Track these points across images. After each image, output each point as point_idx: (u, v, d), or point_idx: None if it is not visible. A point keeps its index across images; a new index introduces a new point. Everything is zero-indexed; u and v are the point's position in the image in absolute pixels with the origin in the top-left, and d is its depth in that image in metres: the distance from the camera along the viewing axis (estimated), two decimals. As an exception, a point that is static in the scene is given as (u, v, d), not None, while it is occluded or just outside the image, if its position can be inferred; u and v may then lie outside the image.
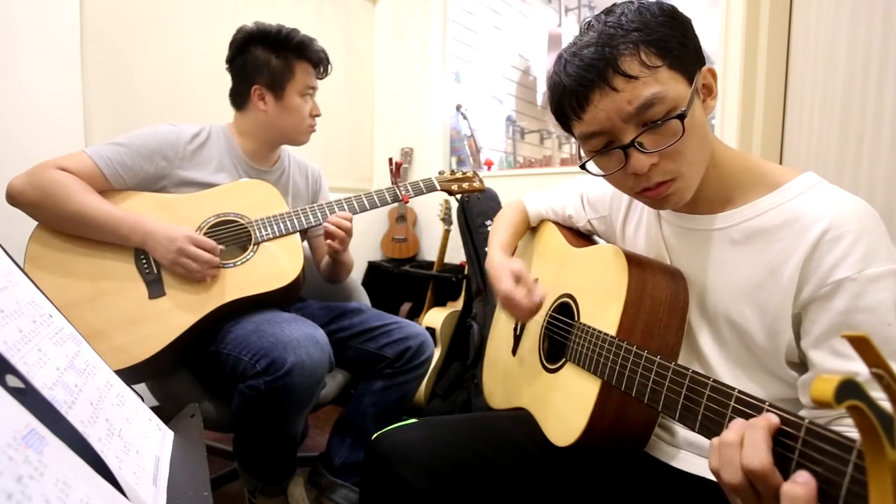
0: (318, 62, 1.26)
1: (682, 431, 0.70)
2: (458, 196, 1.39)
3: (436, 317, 2.01)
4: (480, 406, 1.70)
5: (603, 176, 0.67)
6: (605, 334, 0.66)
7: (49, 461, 0.30)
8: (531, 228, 1.04)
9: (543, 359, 0.83)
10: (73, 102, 1.58)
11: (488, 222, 1.87)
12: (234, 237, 1.13)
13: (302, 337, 0.99)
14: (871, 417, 0.31)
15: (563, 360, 0.76)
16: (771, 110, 1.46)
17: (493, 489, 0.73)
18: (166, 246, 1.02)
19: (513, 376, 0.92)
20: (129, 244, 1.05)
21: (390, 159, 2.41)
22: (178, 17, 1.82)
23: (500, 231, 0.98)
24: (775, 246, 0.61)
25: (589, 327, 0.70)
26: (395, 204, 2.51)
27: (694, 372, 0.51)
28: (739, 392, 0.45)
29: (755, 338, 0.63)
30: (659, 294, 0.67)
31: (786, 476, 0.38)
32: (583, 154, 0.67)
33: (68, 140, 1.56)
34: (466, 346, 1.91)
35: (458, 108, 2.32)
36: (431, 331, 1.98)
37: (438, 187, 1.31)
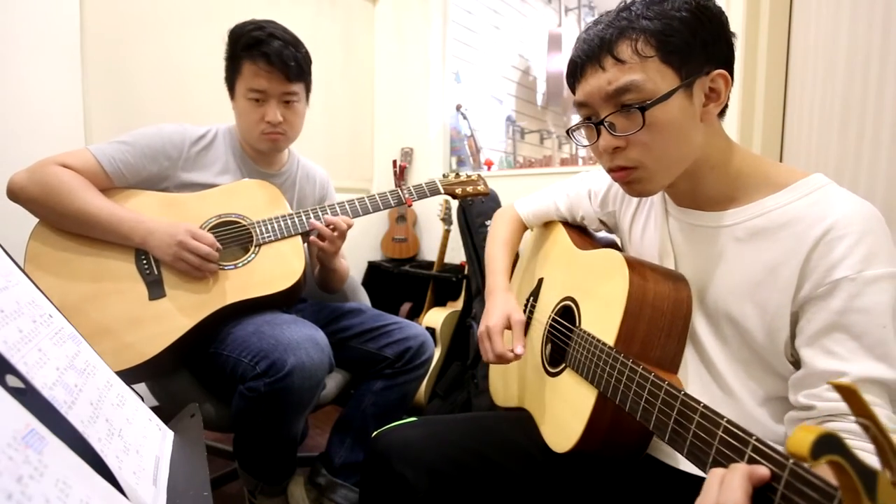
0: (276, 62, 1.09)
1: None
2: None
3: (436, 317, 2.01)
4: (480, 406, 1.70)
5: (586, 146, 0.71)
6: (604, 344, 0.66)
7: (49, 461, 0.30)
8: (540, 228, 1.04)
9: (545, 362, 0.83)
10: (73, 102, 1.58)
11: (488, 222, 1.87)
12: (235, 238, 1.13)
13: (302, 338, 0.99)
14: (851, 474, 0.30)
15: (563, 365, 0.76)
16: (771, 110, 1.46)
17: (493, 489, 0.73)
18: (167, 241, 1.02)
19: (515, 376, 0.92)
20: (130, 244, 1.04)
21: (394, 161, 2.41)
22: (178, 18, 1.82)
23: (496, 252, 0.98)
24: (778, 245, 0.61)
25: (588, 335, 0.70)
26: (397, 205, 2.51)
27: (686, 395, 0.51)
28: (728, 422, 0.45)
29: (755, 336, 0.63)
30: (660, 303, 0.66)
31: None
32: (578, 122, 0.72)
33: (68, 140, 1.55)
34: (466, 346, 1.91)
35: (458, 108, 2.32)
36: (431, 331, 1.98)
37: (442, 191, 1.30)
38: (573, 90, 0.70)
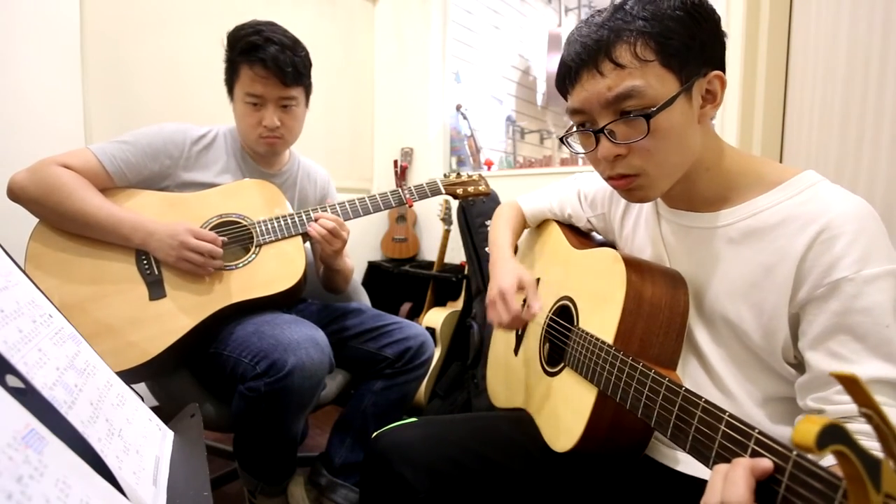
0: (272, 68, 1.08)
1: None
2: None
3: (436, 317, 2.01)
4: (480, 406, 1.70)
5: (582, 154, 0.69)
6: (603, 342, 0.66)
7: (49, 461, 0.30)
8: (534, 228, 1.04)
9: (543, 361, 0.83)
10: (73, 102, 1.58)
11: (488, 222, 1.87)
12: (236, 238, 1.13)
13: (302, 338, 0.99)
14: (856, 462, 0.31)
15: (562, 364, 0.76)
16: (771, 110, 1.46)
17: (493, 489, 0.73)
18: (168, 242, 1.02)
19: (514, 376, 0.92)
20: (131, 245, 1.04)
21: (395, 161, 2.41)
22: (178, 17, 1.82)
23: (502, 231, 0.98)
24: (772, 245, 0.61)
25: (587, 334, 0.70)
26: (398, 205, 2.50)
27: (687, 390, 0.51)
28: (730, 416, 0.45)
29: (752, 337, 0.63)
30: (658, 301, 0.66)
31: None
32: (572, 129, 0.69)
33: (68, 139, 1.55)
34: (466, 346, 1.91)
35: (458, 108, 2.32)
36: (431, 331, 1.98)
37: (443, 191, 1.29)
38: (565, 95, 0.67)
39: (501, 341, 1.02)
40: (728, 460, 0.44)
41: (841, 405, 0.54)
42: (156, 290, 1.04)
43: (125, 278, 1.03)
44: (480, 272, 1.87)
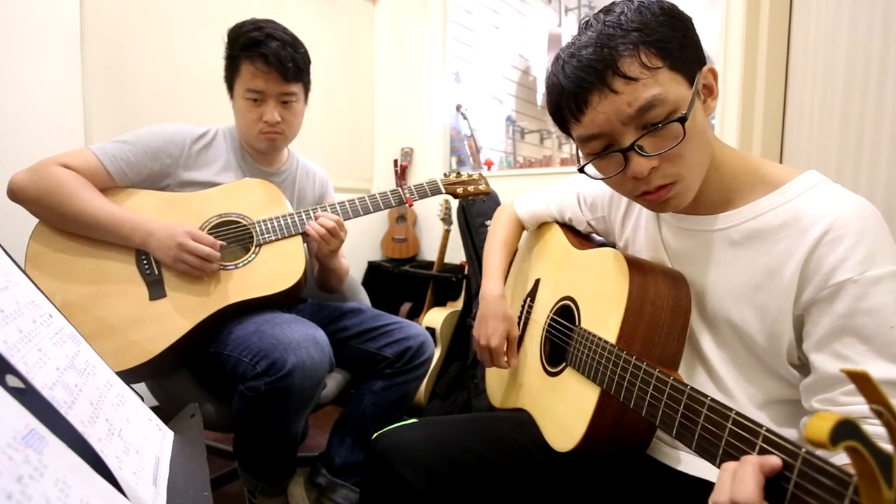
0: (274, 63, 1.10)
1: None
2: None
3: (436, 317, 2.01)
4: (480, 406, 1.70)
5: (602, 179, 0.66)
6: (605, 342, 0.66)
7: (49, 461, 0.30)
8: (535, 228, 1.04)
9: (544, 362, 0.83)
10: (73, 102, 1.58)
11: (488, 222, 1.87)
12: (236, 237, 1.13)
13: (302, 338, 0.99)
14: (869, 458, 0.31)
15: (564, 364, 0.76)
16: (771, 110, 1.46)
17: (493, 490, 0.73)
18: (167, 243, 1.02)
19: (514, 377, 0.92)
20: (131, 245, 1.04)
21: (395, 161, 2.41)
22: (178, 17, 1.82)
23: (495, 254, 0.99)
24: (775, 247, 0.60)
25: (589, 333, 0.70)
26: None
27: (692, 389, 0.51)
28: (737, 414, 0.45)
29: (756, 339, 0.63)
30: (660, 301, 0.66)
31: None
32: (581, 157, 0.67)
33: (68, 139, 1.55)
34: (466, 346, 1.91)
35: (458, 108, 2.32)
36: (431, 331, 1.98)
37: (443, 190, 1.29)
38: (565, 124, 0.64)
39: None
40: (735, 458, 0.44)
41: (846, 406, 0.54)
42: (156, 289, 1.04)
43: (125, 278, 1.03)
44: (480, 272, 1.86)
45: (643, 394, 0.57)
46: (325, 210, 1.17)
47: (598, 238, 0.94)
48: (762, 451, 0.41)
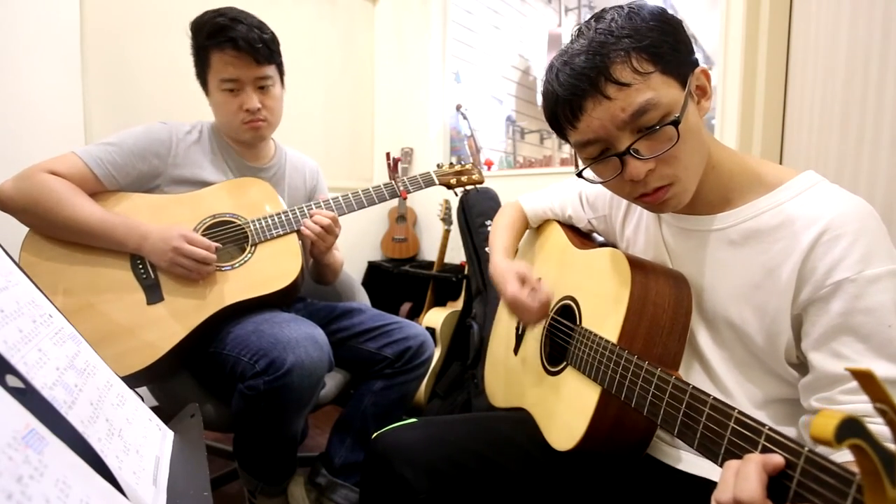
0: (244, 47, 1.06)
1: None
2: (458, 191, 1.36)
3: (436, 317, 2.01)
4: (480, 406, 1.70)
5: (600, 183, 0.67)
6: (607, 341, 0.66)
7: (49, 461, 0.30)
8: (535, 228, 1.04)
9: (545, 361, 0.83)
10: (73, 102, 1.58)
11: (488, 222, 1.87)
12: (231, 238, 1.12)
13: (301, 337, 0.98)
14: (873, 456, 0.31)
15: (564, 363, 0.76)
16: (771, 110, 1.46)
17: (493, 489, 0.73)
18: (161, 246, 1.01)
19: (514, 376, 0.92)
20: (125, 249, 1.03)
21: (388, 154, 2.41)
22: (178, 17, 1.81)
23: (500, 234, 0.98)
24: (773, 247, 0.61)
25: (590, 333, 0.70)
26: (395, 202, 2.50)
27: (694, 388, 0.51)
28: (739, 413, 0.45)
29: (754, 339, 0.63)
30: (662, 301, 0.66)
31: None
32: (579, 162, 0.68)
33: (68, 140, 1.55)
34: (466, 346, 1.91)
35: (458, 108, 2.32)
36: (431, 331, 1.98)
37: (437, 181, 1.28)
38: (562, 130, 0.66)
39: (500, 342, 1.02)
40: (738, 457, 0.44)
41: (845, 405, 0.54)
42: (153, 294, 1.03)
43: (121, 284, 1.02)
44: (480, 272, 1.87)
45: (645, 393, 0.57)
46: (320, 206, 1.16)
47: (598, 238, 0.95)
48: (765, 450, 0.42)
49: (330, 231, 1.14)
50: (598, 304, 0.74)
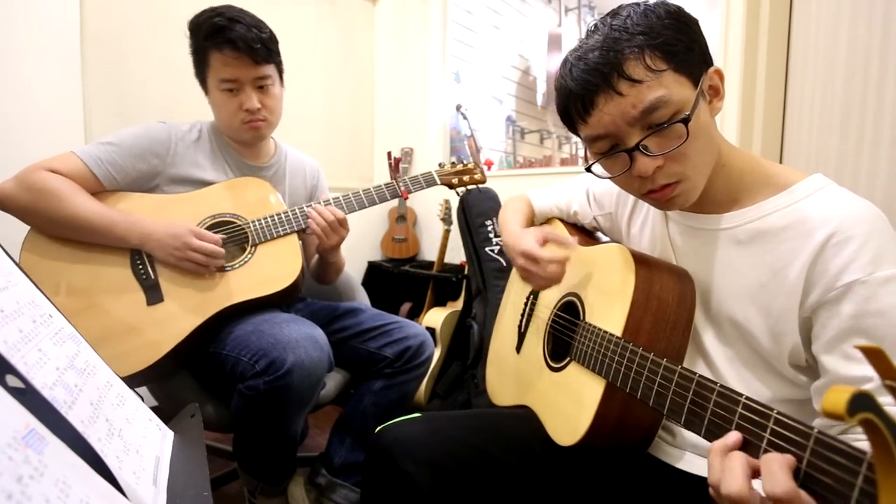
0: (242, 48, 1.06)
1: (685, 432, 0.70)
2: (459, 190, 1.35)
3: (436, 317, 2.01)
4: (481, 405, 1.70)
5: (609, 178, 0.67)
6: (611, 335, 0.66)
7: (49, 461, 0.30)
8: (538, 225, 1.04)
9: (548, 357, 0.83)
10: (73, 102, 1.58)
11: (488, 222, 1.87)
12: (231, 238, 1.12)
13: (301, 337, 0.98)
14: (884, 431, 0.31)
15: (568, 359, 0.76)
16: (771, 110, 1.46)
17: (495, 484, 0.73)
18: (170, 243, 1.01)
19: (516, 374, 0.92)
20: (127, 245, 1.03)
21: (389, 153, 2.41)
22: (177, 17, 1.80)
23: (511, 216, 0.97)
24: (780, 247, 0.61)
25: (594, 327, 0.70)
26: (395, 202, 2.50)
27: (701, 376, 0.51)
28: (747, 399, 0.45)
29: (759, 339, 0.63)
30: (666, 295, 0.67)
31: None
32: (589, 156, 0.68)
33: (68, 140, 1.55)
34: (466, 346, 1.91)
35: (458, 108, 2.32)
36: (431, 331, 1.98)
37: (438, 181, 1.28)
38: (573, 125, 0.66)
39: (502, 340, 1.02)
40: (747, 442, 0.44)
41: None
42: (153, 294, 1.03)
43: (121, 284, 1.02)
44: (480, 272, 1.86)
45: (651, 383, 0.57)
46: (321, 204, 1.16)
47: (602, 237, 0.95)
48: (773, 434, 0.42)
49: (335, 229, 1.14)
50: (602, 299, 0.74)
